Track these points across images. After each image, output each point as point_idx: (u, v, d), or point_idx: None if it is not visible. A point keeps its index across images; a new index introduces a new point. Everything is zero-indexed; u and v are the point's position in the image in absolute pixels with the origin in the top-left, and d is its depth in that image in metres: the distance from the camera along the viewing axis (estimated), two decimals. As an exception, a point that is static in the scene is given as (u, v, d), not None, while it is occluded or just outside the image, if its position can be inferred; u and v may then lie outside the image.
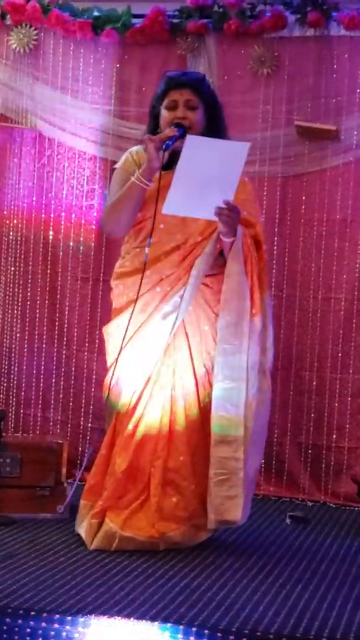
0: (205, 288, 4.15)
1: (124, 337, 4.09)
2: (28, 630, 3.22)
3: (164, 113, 4.14)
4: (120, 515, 4.09)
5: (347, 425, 5.27)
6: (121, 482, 4.12)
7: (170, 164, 3.97)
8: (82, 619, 3.24)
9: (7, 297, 5.65)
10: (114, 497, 4.12)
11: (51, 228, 5.59)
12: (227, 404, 4.06)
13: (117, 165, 4.30)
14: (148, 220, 4.11)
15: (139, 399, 4.16)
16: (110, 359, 4.25)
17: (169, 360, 4.16)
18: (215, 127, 4.14)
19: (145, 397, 4.15)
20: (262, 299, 4.14)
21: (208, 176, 3.89)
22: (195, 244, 4.13)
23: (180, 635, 3.19)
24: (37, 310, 5.63)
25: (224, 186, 3.91)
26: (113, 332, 4.22)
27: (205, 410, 4.14)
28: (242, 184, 4.11)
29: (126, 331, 4.06)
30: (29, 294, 5.64)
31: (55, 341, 5.61)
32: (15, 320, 5.65)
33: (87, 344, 5.54)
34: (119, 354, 4.14)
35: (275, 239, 5.34)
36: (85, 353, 5.54)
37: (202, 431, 4.14)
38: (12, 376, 5.65)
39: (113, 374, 4.19)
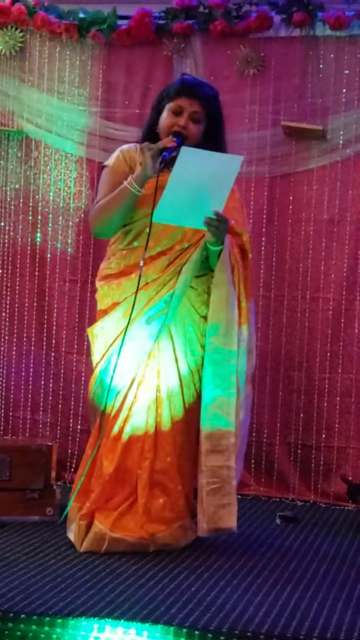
0: (189, 290, 4.14)
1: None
2: (18, 633, 3.22)
3: (167, 115, 4.09)
4: (109, 517, 4.08)
5: (336, 425, 5.27)
6: (109, 484, 4.12)
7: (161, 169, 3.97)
8: (72, 622, 3.24)
9: (-5, 300, 5.66)
10: (102, 499, 4.12)
11: (39, 230, 5.59)
12: (217, 413, 4.06)
13: (107, 163, 4.25)
14: (136, 223, 4.11)
15: (124, 401, 4.15)
16: (95, 360, 4.24)
17: (154, 362, 4.16)
18: (210, 144, 4.05)
19: (129, 399, 4.15)
20: (247, 308, 4.16)
21: (200, 187, 3.88)
22: (182, 250, 4.12)
23: (171, 637, 3.18)
24: (26, 313, 5.63)
25: (214, 197, 3.91)
26: (98, 334, 4.22)
27: (190, 411, 4.16)
28: (231, 193, 4.09)
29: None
30: (17, 296, 5.63)
31: (44, 343, 5.61)
32: (3, 323, 5.64)
33: (75, 346, 5.54)
34: (103, 356, 4.16)
35: (263, 239, 5.35)
36: (74, 355, 5.54)
37: (187, 432, 4.15)
38: (0, 379, 5.65)
39: (97, 376, 4.21)
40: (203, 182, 3.87)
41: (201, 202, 3.91)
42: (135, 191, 4.00)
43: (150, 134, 4.14)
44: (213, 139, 4.12)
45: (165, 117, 4.10)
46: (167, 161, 3.95)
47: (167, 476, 4.14)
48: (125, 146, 4.28)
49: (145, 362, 4.15)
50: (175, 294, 4.09)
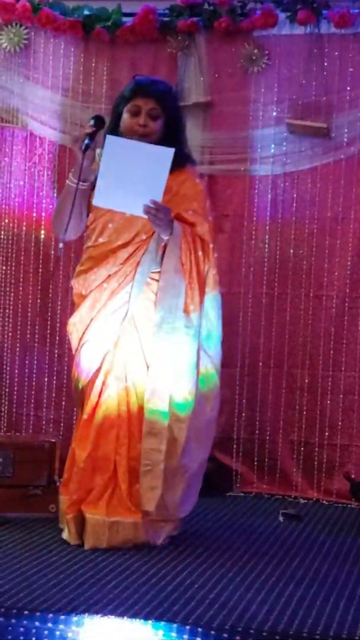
0: (154, 282, 4.21)
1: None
2: (21, 629, 3.22)
3: (126, 117, 4.21)
4: (99, 505, 4.13)
5: (339, 423, 5.27)
6: (86, 473, 4.17)
7: None
8: (75, 618, 3.24)
9: (-1, 296, 5.66)
10: (82, 489, 4.17)
11: (42, 227, 5.59)
12: (155, 398, 4.13)
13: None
14: (99, 220, 4.22)
15: (91, 389, 4.22)
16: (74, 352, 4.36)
17: (121, 352, 4.22)
18: (171, 137, 4.19)
19: (97, 387, 4.21)
20: (202, 297, 4.21)
21: (132, 175, 3.98)
22: (141, 242, 4.21)
23: (173, 633, 3.19)
24: (29, 310, 5.63)
25: (150, 186, 4.00)
26: (72, 328, 4.33)
27: None
28: (193, 185, 4.24)
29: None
30: (21, 293, 5.63)
31: (48, 340, 5.61)
32: (7, 319, 5.64)
33: (79, 343, 5.53)
34: (77, 348, 4.27)
35: (267, 237, 5.35)
36: (77, 352, 5.54)
37: None
38: (4, 375, 5.65)
39: (74, 367, 4.32)
40: (134, 170, 3.97)
41: (138, 189, 3.99)
42: (72, 183, 4.14)
43: None
44: (171, 137, 4.22)
45: (125, 119, 4.22)
46: (89, 148, 4.05)
47: (139, 463, 4.18)
48: None
49: (112, 351, 4.22)
50: (135, 283, 4.18)
